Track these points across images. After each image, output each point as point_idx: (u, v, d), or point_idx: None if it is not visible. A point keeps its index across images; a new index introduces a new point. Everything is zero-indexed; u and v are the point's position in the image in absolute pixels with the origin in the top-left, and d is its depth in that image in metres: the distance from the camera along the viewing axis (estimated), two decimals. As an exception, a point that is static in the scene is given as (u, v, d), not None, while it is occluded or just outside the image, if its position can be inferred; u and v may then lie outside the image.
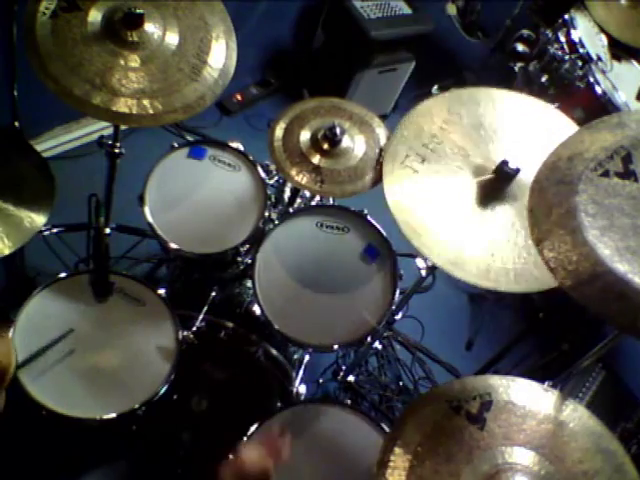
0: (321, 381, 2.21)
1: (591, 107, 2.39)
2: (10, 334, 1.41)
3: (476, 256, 1.35)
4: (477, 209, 1.42)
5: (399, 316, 1.75)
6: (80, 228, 2.06)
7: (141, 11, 1.39)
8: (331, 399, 2.10)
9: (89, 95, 1.35)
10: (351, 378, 2.20)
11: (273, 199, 1.97)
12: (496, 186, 1.42)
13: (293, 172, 1.62)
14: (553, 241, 1.02)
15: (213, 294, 1.80)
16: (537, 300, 2.54)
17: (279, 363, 1.78)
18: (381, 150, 1.66)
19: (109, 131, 1.73)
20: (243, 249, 1.78)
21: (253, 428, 1.50)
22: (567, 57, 2.42)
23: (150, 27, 1.43)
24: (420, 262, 1.59)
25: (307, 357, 1.92)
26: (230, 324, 1.75)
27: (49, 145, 2.44)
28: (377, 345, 2.24)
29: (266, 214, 1.77)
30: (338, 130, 1.62)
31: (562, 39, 2.46)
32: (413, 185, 1.42)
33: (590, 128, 1.12)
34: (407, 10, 2.83)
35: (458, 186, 1.43)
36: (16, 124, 1.74)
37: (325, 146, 1.65)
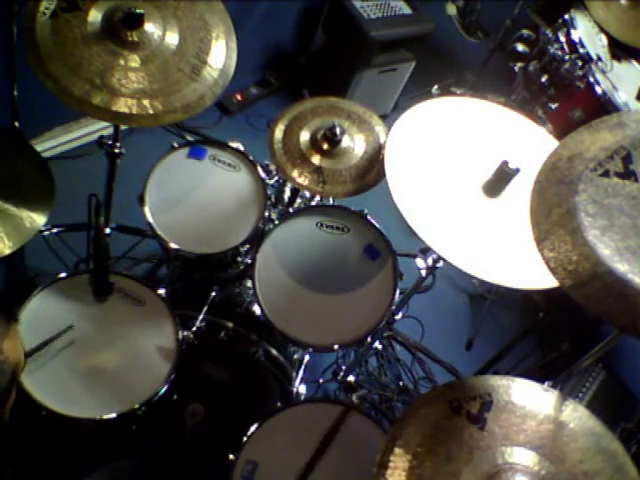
0: (321, 381, 2.22)
1: (591, 107, 2.39)
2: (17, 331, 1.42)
3: (482, 250, 1.36)
4: (483, 205, 1.42)
5: (399, 316, 1.74)
6: (80, 228, 2.06)
7: (141, 11, 1.39)
8: (331, 399, 2.10)
9: (89, 95, 1.35)
10: (351, 378, 2.20)
11: (273, 199, 1.97)
12: (497, 185, 1.43)
13: (295, 174, 1.62)
14: (553, 241, 1.02)
15: (213, 294, 1.80)
16: (537, 300, 2.54)
17: (279, 363, 1.78)
18: (381, 148, 1.66)
19: (109, 131, 1.74)
20: (243, 249, 1.78)
21: (253, 428, 1.50)
22: (567, 57, 2.42)
23: (150, 27, 1.43)
24: (420, 262, 1.59)
25: (307, 357, 1.92)
26: (230, 324, 1.75)
27: (49, 145, 2.44)
28: (377, 345, 2.24)
29: (266, 214, 1.77)
30: (338, 130, 1.62)
31: (562, 39, 2.46)
32: (418, 182, 1.43)
33: (590, 128, 1.12)
34: (407, 10, 2.83)
35: (462, 185, 1.44)
36: (16, 124, 1.74)
37: (325, 146, 1.65)
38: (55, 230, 2.12)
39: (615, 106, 2.31)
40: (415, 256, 1.59)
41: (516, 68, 2.72)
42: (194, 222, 1.74)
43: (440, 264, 1.55)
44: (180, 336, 1.56)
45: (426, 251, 1.58)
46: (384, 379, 2.34)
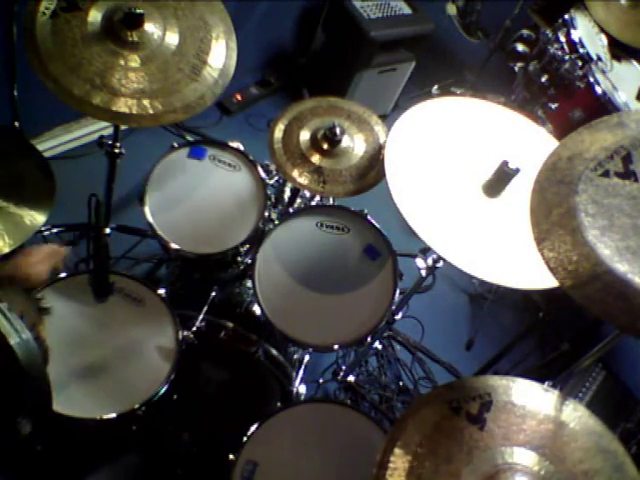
0: (321, 381, 2.22)
1: (591, 107, 2.39)
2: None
3: (482, 250, 1.36)
4: (483, 205, 1.42)
5: (399, 316, 1.75)
6: (80, 228, 2.06)
7: (141, 11, 1.39)
8: (331, 399, 2.10)
9: (89, 95, 1.35)
10: (351, 378, 2.20)
11: (273, 199, 1.97)
12: (497, 185, 1.43)
13: (295, 174, 1.63)
14: (553, 241, 1.02)
15: (213, 294, 1.80)
16: (537, 300, 2.54)
17: (279, 363, 1.78)
18: (381, 148, 1.66)
19: (109, 131, 1.74)
20: (243, 249, 1.78)
21: (253, 428, 1.50)
22: (567, 57, 2.42)
23: (150, 27, 1.43)
24: (420, 262, 1.59)
25: (307, 357, 1.92)
26: (230, 324, 1.75)
27: (49, 145, 2.44)
28: (377, 345, 2.24)
29: (266, 214, 1.77)
30: (338, 130, 1.62)
31: (562, 39, 2.46)
32: (418, 182, 1.43)
33: (590, 128, 1.12)
34: (407, 10, 2.84)
35: (462, 185, 1.44)
36: (16, 124, 1.75)
37: (325, 146, 1.65)
38: (55, 230, 2.12)
39: (615, 106, 2.31)
40: (415, 256, 1.59)
41: (516, 68, 2.73)
42: (194, 222, 1.74)
43: (440, 264, 1.56)
44: (180, 336, 1.56)
45: (426, 251, 1.58)
46: (384, 379, 2.34)
